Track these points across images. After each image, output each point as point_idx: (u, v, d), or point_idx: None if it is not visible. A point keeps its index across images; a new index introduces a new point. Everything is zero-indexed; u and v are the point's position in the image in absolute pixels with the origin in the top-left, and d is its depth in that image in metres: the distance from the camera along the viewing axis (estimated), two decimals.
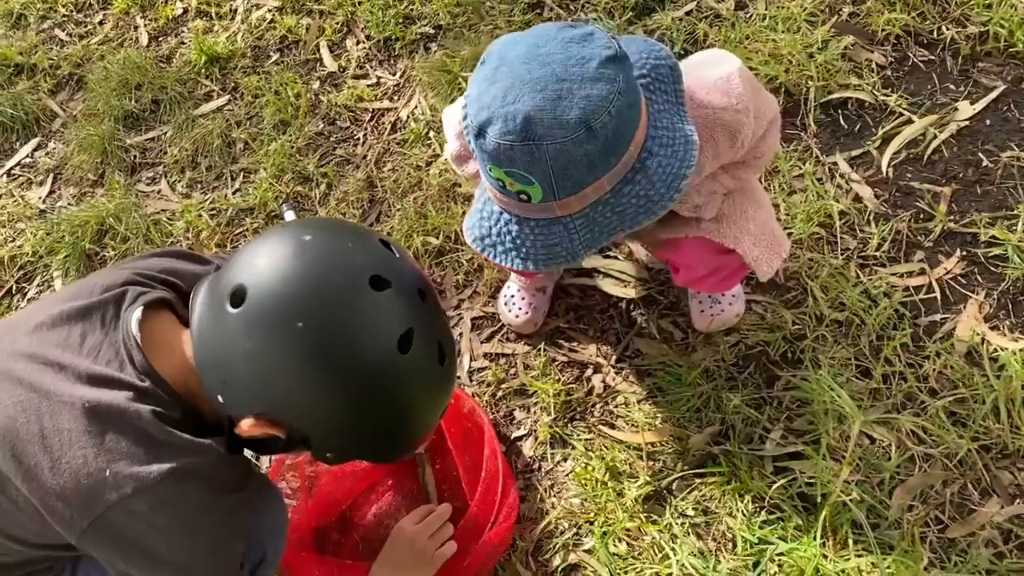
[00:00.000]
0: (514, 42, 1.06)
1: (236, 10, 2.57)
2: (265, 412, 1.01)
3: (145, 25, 2.63)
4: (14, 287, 2.16)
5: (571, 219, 1.11)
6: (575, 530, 1.56)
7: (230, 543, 1.09)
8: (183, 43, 2.52)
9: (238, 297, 1.00)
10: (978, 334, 1.58)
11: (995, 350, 1.56)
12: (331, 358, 0.98)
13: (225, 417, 1.07)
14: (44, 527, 1.03)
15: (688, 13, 2.17)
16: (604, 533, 1.52)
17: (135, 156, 2.30)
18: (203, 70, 2.42)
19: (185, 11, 2.63)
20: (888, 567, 1.37)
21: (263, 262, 1.01)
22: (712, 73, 1.21)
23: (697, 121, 1.18)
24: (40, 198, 2.32)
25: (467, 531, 1.52)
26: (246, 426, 1.02)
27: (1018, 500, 1.44)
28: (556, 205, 1.09)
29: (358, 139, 2.19)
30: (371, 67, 2.32)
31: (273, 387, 0.99)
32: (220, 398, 1.03)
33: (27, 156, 2.41)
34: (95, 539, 1.01)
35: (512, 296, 1.79)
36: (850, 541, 1.41)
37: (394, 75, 2.28)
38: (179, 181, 2.24)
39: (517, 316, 1.77)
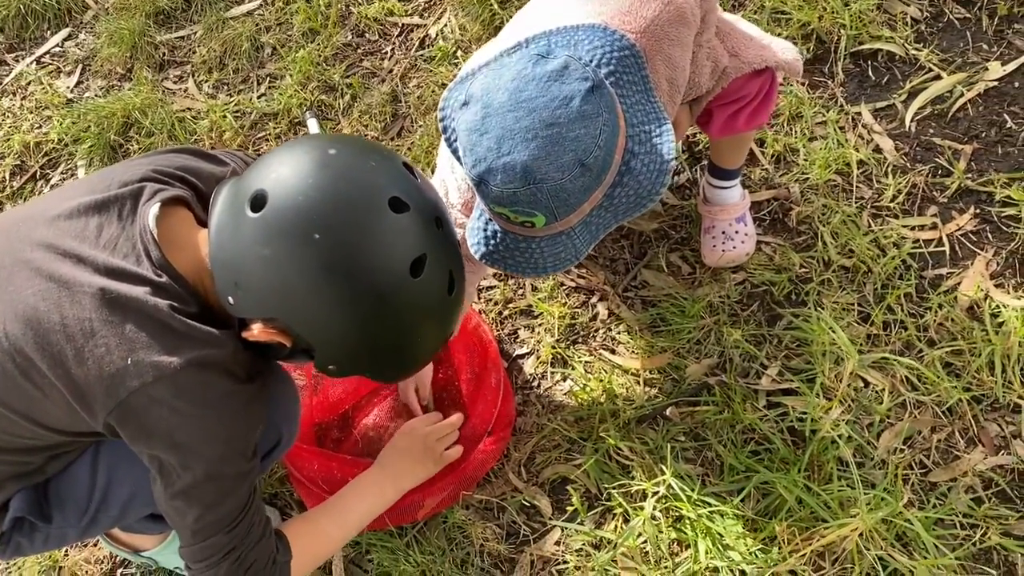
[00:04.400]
0: (495, 88, 1.08)
1: None
2: (273, 318, 1.03)
3: None
4: (38, 172, 2.19)
5: (572, 229, 1.15)
6: (568, 445, 1.60)
7: (246, 431, 1.12)
8: None
9: (259, 202, 1.01)
10: (982, 290, 1.60)
11: (997, 307, 1.58)
12: (343, 273, 1.00)
13: (235, 319, 1.09)
14: (70, 413, 1.06)
15: None
16: (596, 450, 1.56)
17: (164, 53, 2.31)
18: None
19: None
20: (868, 503, 1.41)
21: (287, 171, 1.02)
22: None
23: (651, 47, 1.19)
24: (68, 87, 2.34)
25: (464, 438, 1.57)
26: (255, 330, 1.05)
27: (1003, 451, 1.47)
28: (558, 225, 1.13)
29: (385, 53, 2.20)
30: None
31: (284, 294, 1.01)
32: (231, 299, 1.05)
33: (57, 45, 2.43)
34: (118, 424, 1.05)
35: None
36: (834, 476, 1.45)
37: None
38: (206, 81, 2.25)
39: None
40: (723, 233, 1.69)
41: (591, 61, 1.14)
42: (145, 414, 1.04)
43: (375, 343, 1.07)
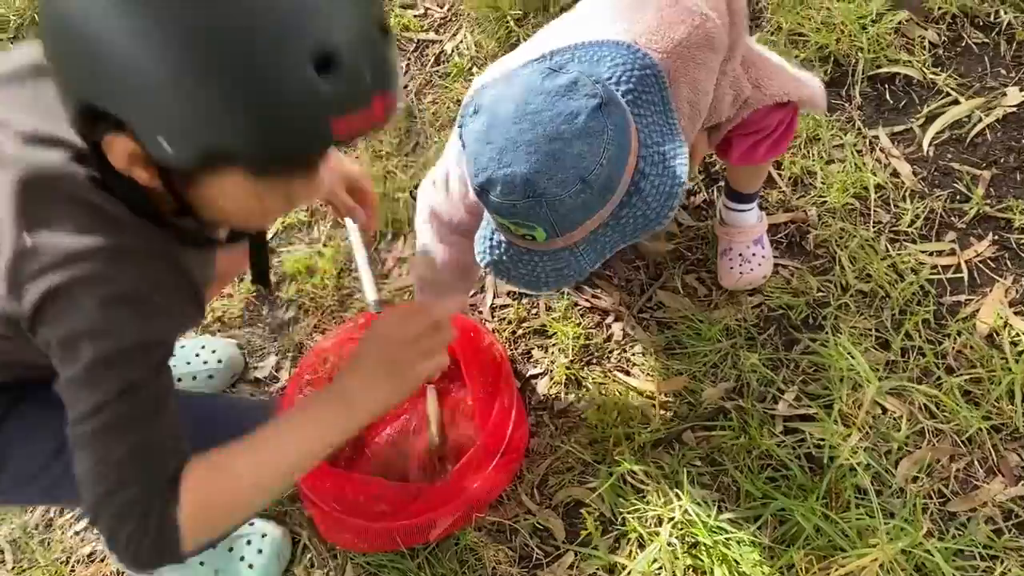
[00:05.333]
0: (503, 98, 1.07)
1: None
2: (91, 103, 0.82)
3: None
4: None
5: (576, 245, 1.15)
6: (582, 468, 1.58)
7: (151, 343, 0.96)
8: None
9: None
10: (1001, 318, 1.59)
11: (1017, 334, 1.57)
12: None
13: (91, 148, 0.90)
14: None
15: None
16: (611, 473, 1.55)
17: None
18: None
19: None
20: (888, 532, 1.39)
21: None
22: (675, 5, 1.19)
23: (676, 68, 1.19)
24: None
25: (476, 460, 1.55)
26: (105, 144, 0.86)
27: (1022, 482, 1.45)
28: (560, 240, 1.13)
29: (401, 69, 2.19)
30: None
31: (82, 57, 0.79)
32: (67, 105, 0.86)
33: None
34: (17, 310, 0.93)
35: None
36: (852, 504, 1.44)
37: (442, 7, 2.28)
38: None
39: None
40: (740, 255, 1.68)
41: (610, 78, 1.13)
42: (46, 303, 0.90)
43: (193, 76, 0.77)
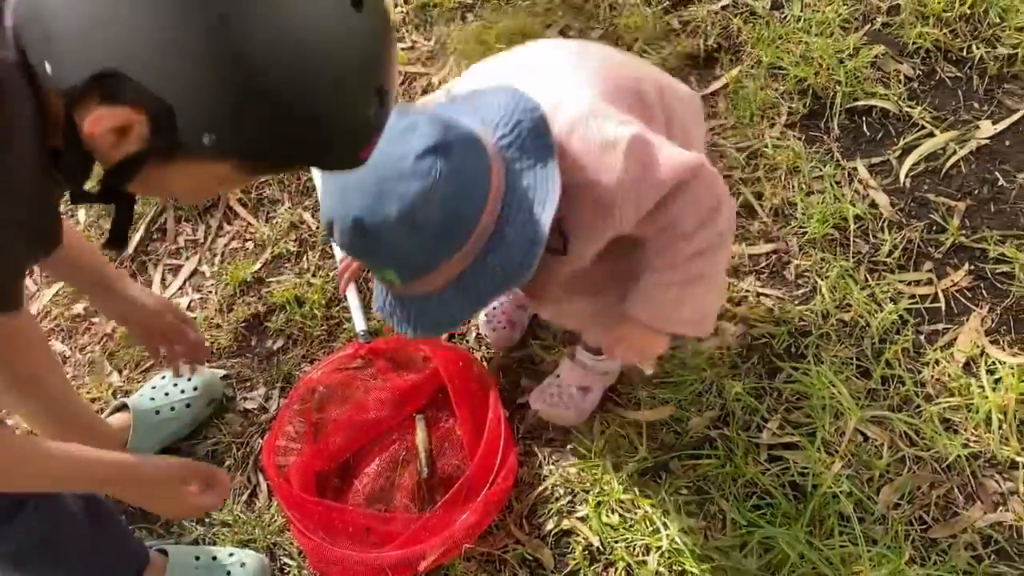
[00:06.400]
0: None
1: None
2: (110, 73, 0.73)
3: None
4: None
5: (442, 291, 1.15)
6: (570, 497, 1.60)
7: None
8: None
9: None
10: (978, 346, 1.63)
11: (993, 363, 1.61)
12: None
13: (63, 118, 0.80)
14: None
15: (724, 8, 2.19)
16: (599, 503, 1.57)
17: None
18: None
19: None
20: (871, 559, 1.42)
21: None
22: (606, 131, 1.17)
23: (569, 190, 1.16)
24: None
25: (465, 490, 1.56)
26: (96, 114, 0.76)
27: (1001, 508, 1.49)
28: (417, 285, 1.14)
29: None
30: (407, 31, 2.35)
31: (111, 22, 0.71)
32: (47, 66, 0.75)
33: None
34: None
35: (493, 309, 1.79)
36: (836, 532, 1.46)
37: (429, 41, 2.31)
38: None
39: (494, 330, 1.77)
40: (561, 388, 1.64)
41: (492, 121, 1.15)
42: None
43: (254, 76, 0.74)
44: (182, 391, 1.77)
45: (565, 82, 1.24)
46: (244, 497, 1.69)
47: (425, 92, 2.21)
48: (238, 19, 0.73)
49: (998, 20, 2.04)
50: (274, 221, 2.07)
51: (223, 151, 0.78)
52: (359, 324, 1.80)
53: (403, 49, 2.30)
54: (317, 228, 2.04)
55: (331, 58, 0.78)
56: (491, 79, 1.27)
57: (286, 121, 0.78)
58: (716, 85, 2.08)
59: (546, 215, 1.13)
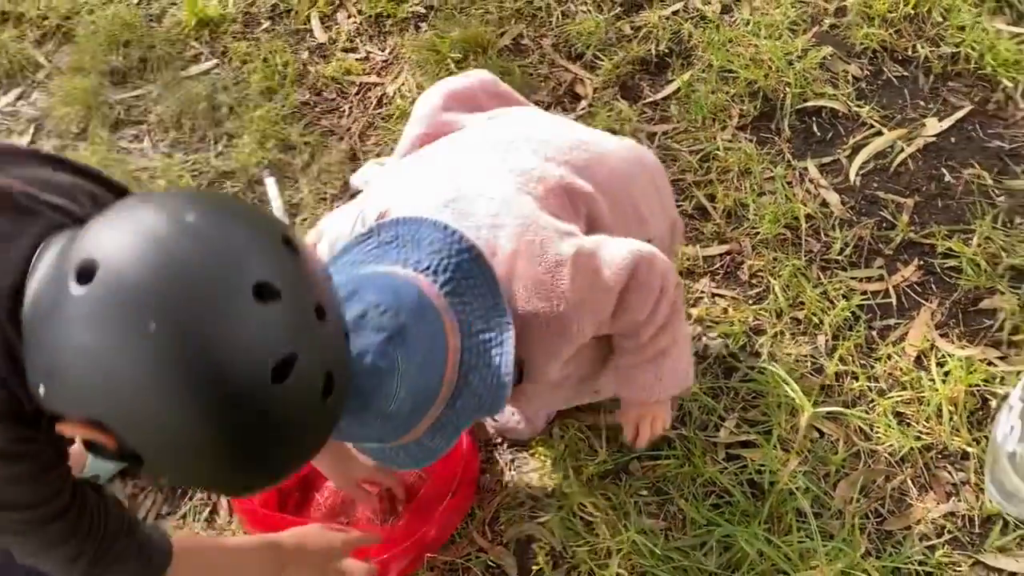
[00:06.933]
0: None
1: None
2: (90, 418, 0.84)
3: None
4: None
5: (420, 440, 1.14)
6: (532, 503, 1.61)
7: None
8: (174, 3, 2.52)
9: (85, 274, 0.81)
10: (928, 340, 1.66)
11: (943, 356, 1.64)
12: (184, 375, 0.81)
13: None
14: None
15: (675, 12, 2.22)
16: (560, 507, 1.57)
17: (119, 112, 2.31)
18: (193, 32, 2.43)
19: None
20: (828, 554, 1.44)
21: (128, 239, 0.82)
22: (549, 251, 1.17)
23: (522, 316, 1.17)
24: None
25: (428, 498, 1.57)
26: (67, 427, 0.87)
27: (953, 498, 1.51)
28: (403, 439, 1.13)
29: (343, 111, 2.22)
30: (361, 41, 2.35)
31: (108, 394, 0.82)
32: (41, 388, 0.86)
33: (9, 105, 2.40)
34: None
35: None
36: (794, 528, 1.48)
37: (383, 51, 2.31)
38: (162, 140, 2.25)
39: (507, 422, 1.67)
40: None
41: (428, 267, 1.12)
42: None
43: (220, 459, 0.88)
44: None
45: (499, 192, 1.21)
46: (205, 514, 1.68)
47: (380, 102, 2.21)
48: (217, 428, 0.84)
49: (941, 20, 2.08)
50: None
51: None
52: None
53: (357, 60, 2.30)
54: None
55: (292, 450, 0.93)
56: (414, 197, 1.23)
57: (222, 478, 0.95)
58: (668, 90, 2.11)
59: (502, 360, 1.12)
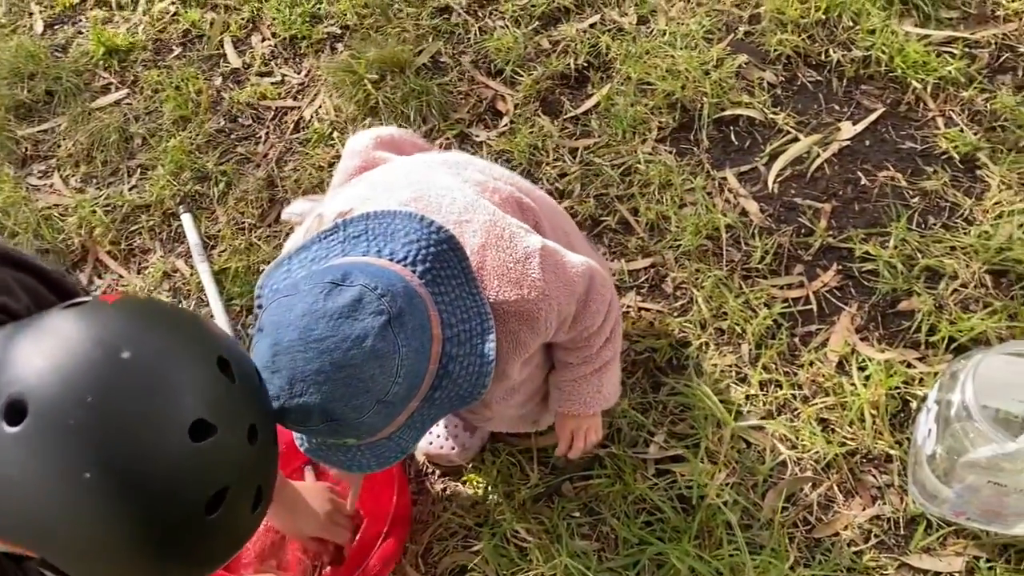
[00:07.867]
0: (284, 323, 1.01)
1: (138, 1, 2.51)
2: (14, 541, 0.84)
3: (40, 12, 2.54)
4: None
5: (392, 434, 1.11)
6: (465, 532, 1.59)
7: None
8: (80, 33, 2.46)
9: (14, 413, 0.79)
10: (849, 344, 1.68)
11: (863, 360, 1.66)
12: (116, 515, 0.81)
13: None
14: None
15: (592, 25, 2.22)
16: (493, 534, 1.56)
17: (26, 148, 2.23)
18: (101, 62, 2.36)
19: (83, 0, 2.56)
20: (757, 567, 1.44)
21: (57, 377, 0.80)
22: (517, 243, 1.19)
23: (493, 315, 1.16)
24: None
25: (361, 540, 1.53)
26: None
27: (879, 501, 1.53)
28: (381, 433, 1.10)
29: (260, 137, 2.18)
30: (276, 65, 2.31)
31: (34, 526, 0.82)
32: None
33: None
34: None
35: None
36: (724, 541, 1.49)
37: (299, 74, 2.27)
38: (73, 175, 2.18)
39: (441, 448, 1.65)
40: (444, 427, 1.64)
41: (405, 257, 1.11)
42: None
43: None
44: None
45: (461, 194, 1.22)
46: None
47: (297, 126, 2.17)
48: (148, 558, 0.84)
49: (851, 24, 2.11)
50: (146, 271, 2.01)
51: None
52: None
53: (272, 84, 2.26)
54: (192, 275, 1.98)
55: (217, 555, 0.91)
56: (377, 199, 1.22)
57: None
58: (588, 104, 2.10)
59: (487, 347, 1.11)
